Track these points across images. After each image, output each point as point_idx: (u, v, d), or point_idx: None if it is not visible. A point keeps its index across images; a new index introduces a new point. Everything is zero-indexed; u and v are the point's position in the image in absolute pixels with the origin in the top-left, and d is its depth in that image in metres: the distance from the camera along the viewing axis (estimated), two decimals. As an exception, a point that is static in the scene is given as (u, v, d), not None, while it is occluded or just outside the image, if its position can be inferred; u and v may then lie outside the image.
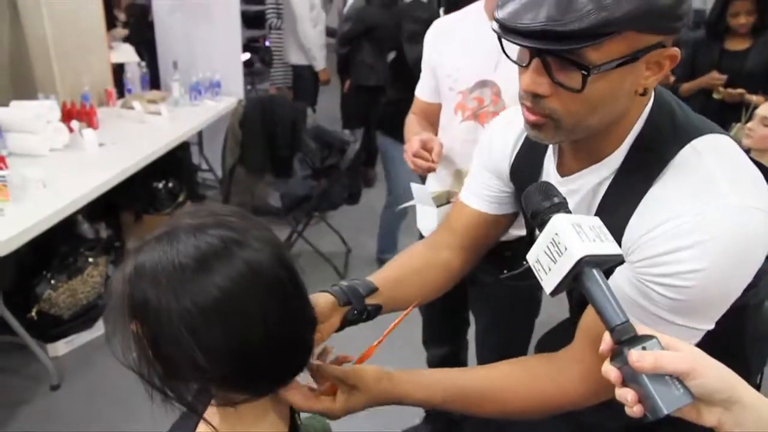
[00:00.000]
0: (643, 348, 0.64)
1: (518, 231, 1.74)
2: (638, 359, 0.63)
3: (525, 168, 1.14)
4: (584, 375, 0.96)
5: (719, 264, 0.83)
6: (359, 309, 1.09)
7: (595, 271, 0.69)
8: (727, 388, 0.64)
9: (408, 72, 3.40)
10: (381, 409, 1.00)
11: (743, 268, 0.86)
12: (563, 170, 1.04)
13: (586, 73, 0.79)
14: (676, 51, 0.85)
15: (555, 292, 0.72)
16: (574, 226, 0.70)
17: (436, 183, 1.94)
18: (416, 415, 2.48)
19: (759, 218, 0.84)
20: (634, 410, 0.64)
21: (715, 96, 3.31)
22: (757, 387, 1.21)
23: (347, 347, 1.06)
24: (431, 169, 1.71)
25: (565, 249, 0.69)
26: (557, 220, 0.71)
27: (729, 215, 0.83)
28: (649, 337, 0.65)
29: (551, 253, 0.71)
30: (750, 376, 1.16)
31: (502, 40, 0.86)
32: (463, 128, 1.76)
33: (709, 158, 0.87)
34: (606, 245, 0.70)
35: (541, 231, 0.75)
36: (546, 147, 1.09)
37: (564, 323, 1.32)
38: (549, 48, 0.79)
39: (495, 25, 0.85)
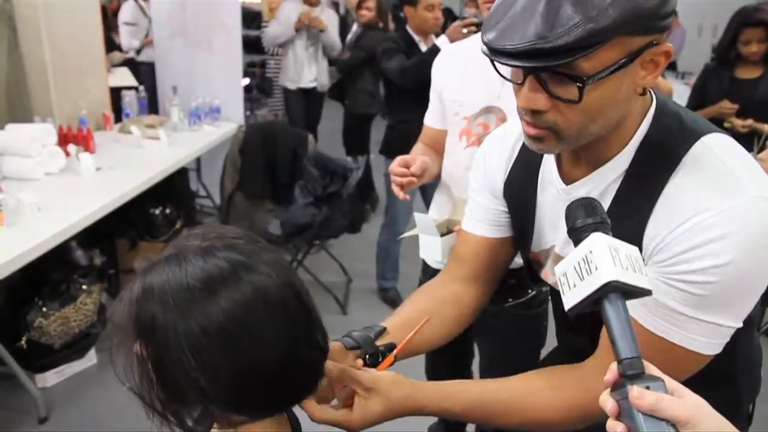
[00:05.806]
0: (647, 387, 0.62)
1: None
2: (639, 396, 0.61)
3: (519, 182, 1.15)
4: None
5: (743, 257, 0.83)
6: (371, 352, 1.08)
7: (619, 300, 0.67)
8: None
9: (401, 95, 3.39)
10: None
11: (767, 259, 0.85)
12: (567, 178, 1.03)
13: (581, 85, 0.80)
14: (669, 47, 0.85)
15: (573, 310, 0.71)
16: (611, 248, 0.68)
17: (436, 211, 1.92)
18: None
19: None
20: None
21: (726, 125, 3.26)
22: (749, 416, 1.23)
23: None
24: (411, 183, 1.69)
25: (596, 269, 0.67)
26: (595, 239, 0.70)
27: (752, 207, 0.83)
28: (656, 379, 0.64)
29: (580, 269, 0.70)
30: (741, 405, 1.19)
31: (494, 62, 0.86)
32: (467, 154, 1.75)
33: (722, 153, 0.89)
34: (638, 277, 0.68)
35: (576, 247, 0.74)
36: (540, 160, 1.09)
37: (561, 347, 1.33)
38: (541, 65, 0.79)
39: (485, 48, 0.85)
